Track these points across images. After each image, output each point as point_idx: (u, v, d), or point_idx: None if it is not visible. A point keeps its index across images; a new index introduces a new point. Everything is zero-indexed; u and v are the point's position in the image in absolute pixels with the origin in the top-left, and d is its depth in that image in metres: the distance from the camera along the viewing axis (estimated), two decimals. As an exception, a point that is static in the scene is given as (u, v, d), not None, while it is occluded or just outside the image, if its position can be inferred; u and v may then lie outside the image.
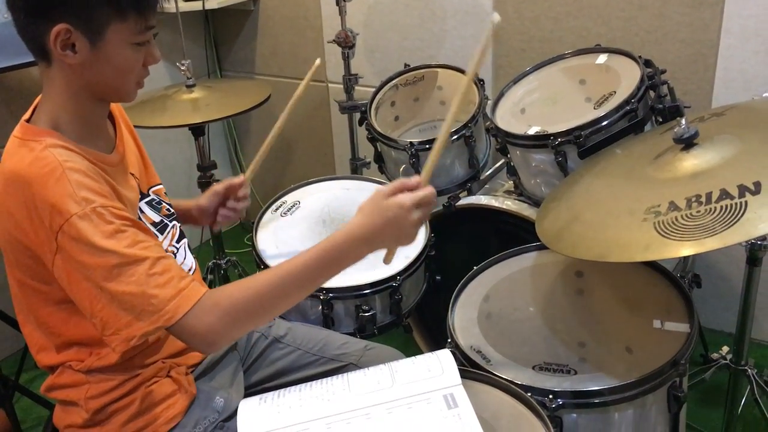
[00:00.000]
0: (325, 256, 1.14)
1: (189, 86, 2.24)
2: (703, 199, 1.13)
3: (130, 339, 1.07)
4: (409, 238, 1.18)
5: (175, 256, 1.34)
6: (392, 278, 1.63)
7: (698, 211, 1.11)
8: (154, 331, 1.07)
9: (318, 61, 1.79)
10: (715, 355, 1.87)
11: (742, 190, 1.10)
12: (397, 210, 1.13)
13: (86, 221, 1.04)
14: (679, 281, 1.40)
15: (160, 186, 1.39)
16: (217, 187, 1.59)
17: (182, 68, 2.19)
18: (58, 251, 1.06)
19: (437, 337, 2.12)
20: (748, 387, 1.79)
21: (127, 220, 1.09)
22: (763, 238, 1.53)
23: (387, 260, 1.22)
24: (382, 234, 1.15)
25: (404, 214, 1.13)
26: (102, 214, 1.05)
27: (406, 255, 1.69)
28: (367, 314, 1.64)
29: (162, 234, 1.32)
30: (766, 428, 1.82)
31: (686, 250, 1.08)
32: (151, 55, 1.15)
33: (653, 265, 1.45)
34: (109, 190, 1.11)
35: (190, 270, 1.37)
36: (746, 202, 1.07)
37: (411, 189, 1.17)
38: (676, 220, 1.12)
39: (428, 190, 1.17)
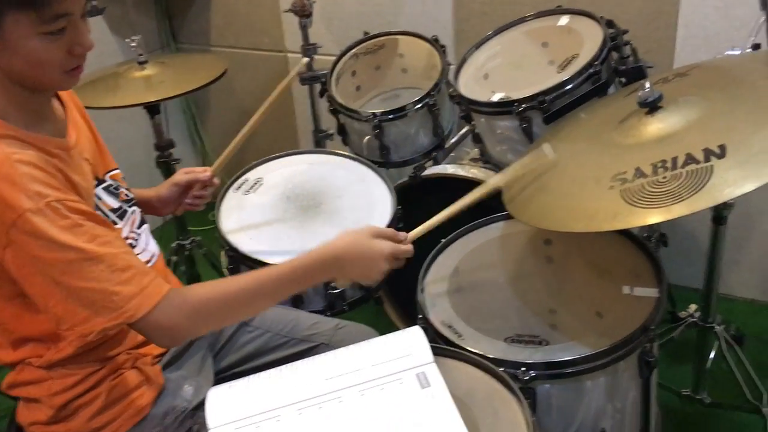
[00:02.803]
0: (298, 271, 1.17)
1: (141, 63, 2.16)
2: (669, 165, 1.12)
3: (88, 334, 1.05)
4: (368, 281, 1.24)
5: (137, 242, 1.30)
6: (360, 253, 1.61)
7: (664, 177, 1.11)
8: (114, 327, 1.05)
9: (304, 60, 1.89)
10: (683, 314, 1.90)
11: (707, 154, 1.09)
12: (375, 253, 1.19)
13: (41, 216, 1.00)
14: (647, 246, 1.40)
15: (117, 171, 1.34)
16: (179, 179, 1.54)
17: (132, 45, 2.11)
18: (8, 245, 1.02)
19: (408, 308, 2.11)
20: (716, 343, 1.82)
21: (84, 213, 1.05)
22: (728, 199, 1.54)
23: (339, 285, 1.33)
24: (351, 266, 1.19)
25: (379, 260, 1.19)
26: (57, 209, 1.01)
27: (373, 229, 1.66)
28: (335, 291, 1.62)
29: (121, 220, 1.28)
30: (734, 382, 1.85)
31: (654, 217, 1.07)
32: (78, 44, 1.06)
33: (621, 230, 1.45)
34: (63, 182, 1.07)
35: (153, 256, 1.33)
36: (712, 166, 1.07)
37: (397, 242, 1.24)
38: (643, 187, 1.12)
39: (409, 248, 1.25)
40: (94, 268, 1.03)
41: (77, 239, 1.02)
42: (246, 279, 1.15)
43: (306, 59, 1.90)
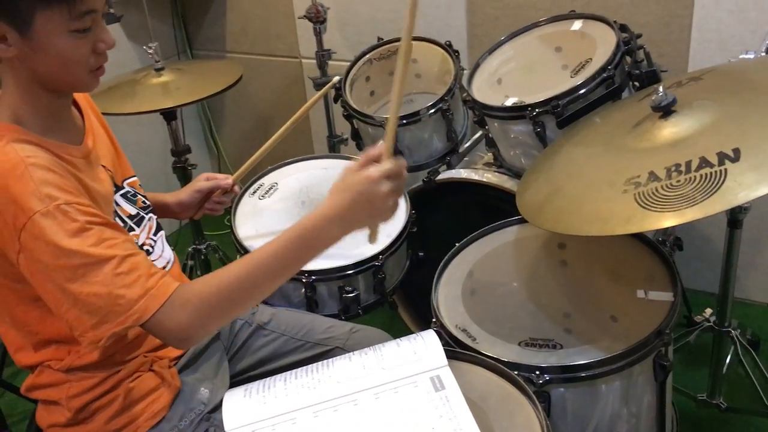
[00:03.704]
0: (295, 242, 1.09)
1: (158, 70, 2.18)
2: (683, 169, 1.12)
3: (98, 340, 1.04)
4: (385, 213, 1.10)
5: (153, 249, 1.31)
6: (375, 258, 1.62)
7: (678, 181, 1.10)
8: (123, 331, 1.05)
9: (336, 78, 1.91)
10: (698, 318, 1.88)
11: (722, 157, 1.09)
12: (365, 183, 1.07)
13: (50, 219, 1.01)
14: (662, 249, 1.40)
15: (135, 178, 1.35)
16: (201, 185, 1.55)
17: (149, 51, 2.14)
18: (21, 250, 1.03)
19: (423, 312, 2.12)
20: (732, 347, 1.81)
21: (94, 216, 1.05)
22: (743, 203, 1.53)
23: (372, 239, 1.16)
24: (353, 211, 1.08)
25: (373, 187, 1.07)
26: (66, 212, 1.02)
27: (387, 233, 1.67)
28: (350, 295, 1.62)
29: (139, 227, 1.29)
30: (751, 386, 1.84)
31: (667, 221, 1.07)
32: (102, 41, 1.09)
33: (635, 234, 1.45)
34: (76, 186, 1.07)
35: (168, 263, 1.34)
36: (726, 170, 1.07)
37: (377, 159, 1.10)
38: (657, 190, 1.11)
39: (396, 162, 1.11)
40: (99, 272, 1.02)
41: (83, 243, 1.02)
42: (242, 264, 1.09)
43: (337, 77, 1.93)
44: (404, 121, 1.92)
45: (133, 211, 1.29)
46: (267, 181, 1.88)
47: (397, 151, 1.97)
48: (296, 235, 1.09)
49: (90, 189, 1.12)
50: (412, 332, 2.08)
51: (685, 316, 2.11)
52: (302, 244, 1.09)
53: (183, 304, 1.06)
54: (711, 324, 1.80)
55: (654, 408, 1.31)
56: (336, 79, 1.89)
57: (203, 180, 1.56)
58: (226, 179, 1.57)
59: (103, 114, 1.35)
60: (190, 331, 1.08)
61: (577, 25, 1.79)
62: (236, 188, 1.60)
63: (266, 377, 1.13)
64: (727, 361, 1.82)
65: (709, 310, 1.86)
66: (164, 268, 1.33)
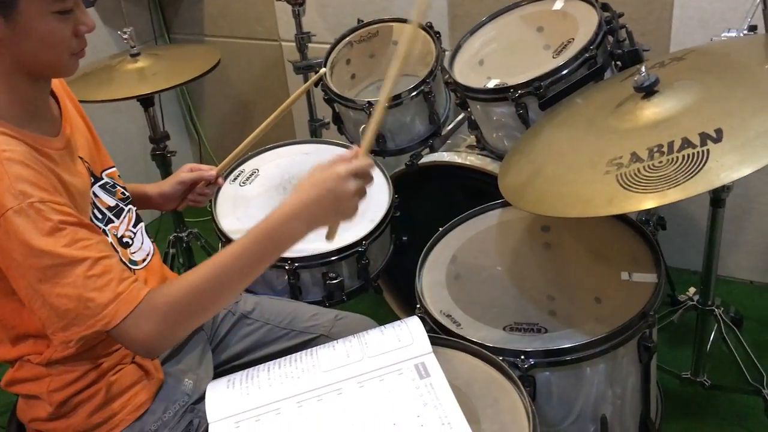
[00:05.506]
0: (261, 240, 1.09)
1: (133, 55, 2.14)
2: (665, 149, 1.11)
3: (68, 342, 1.04)
4: (349, 212, 1.11)
5: (132, 241, 1.30)
6: (358, 243, 1.61)
7: (660, 162, 1.10)
8: (92, 335, 1.04)
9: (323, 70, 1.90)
10: (682, 297, 1.89)
11: (704, 138, 1.08)
12: (332, 180, 1.08)
13: (22, 217, 0.99)
14: (645, 231, 1.40)
15: (114, 169, 1.33)
16: (184, 176, 1.53)
17: (124, 37, 2.10)
18: None
19: (408, 296, 2.11)
20: (716, 325, 1.82)
21: (68, 215, 1.04)
22: (725, 183, 1.53)
23: (329, 237, 1.16)
24: (318, 208, 1.09)
25: (341, 184, 1.08)
26: (40, 210, 1.00)
27: (371, 219, 1.66)
28: (334, 281, 1.61)
29: (118, 219, 1.27)
30: (734, 364, 1.85)
31: (649, 202, 1.07)
32: (82, 23, 1.08)
33: (619, 215, 1.44)
34: (53, 182, 1.05)
35: (148, 255, 1.32)
36: (708, 150, 1.06)
37: (348, 159, 1.11)
38: (639, 171, 1.11)
39: (366, 160, 1.11)
40: (70, 273, 1.01)
41: (56, 243, 1.00)
42: (208, 266, 1.08)
43: (324, 69, 1.92)
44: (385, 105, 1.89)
45: (112, 202, 1.27)
46: (248, 167, 1.85)
47: (379, 136, 1.96)
48: (262, 233, 1.09)
49: (66, 183, 1.10)
50: (397, 316, 2.08)
51: (668, 294, 2.12)
52: (268, 242, 1.09)
53: (150, 311, 1.05)
54: (694, 303, 1.81)
55: (639, 389, 1.32)
56: (322, 71, 1.87)
57: (186, 171, 1.54)
58: (209, 171, 1.55)
59: (79, 101, 1.33)
60: (156, 340, 1.07)
61: (558, 4, 1.77)
62: (220, 180, 1.58)
63: (251, 366, 1.12)
64: (711, 339, 1.83)
65: (692, 289, 1.87)
66: (144, 260, 1.31)
